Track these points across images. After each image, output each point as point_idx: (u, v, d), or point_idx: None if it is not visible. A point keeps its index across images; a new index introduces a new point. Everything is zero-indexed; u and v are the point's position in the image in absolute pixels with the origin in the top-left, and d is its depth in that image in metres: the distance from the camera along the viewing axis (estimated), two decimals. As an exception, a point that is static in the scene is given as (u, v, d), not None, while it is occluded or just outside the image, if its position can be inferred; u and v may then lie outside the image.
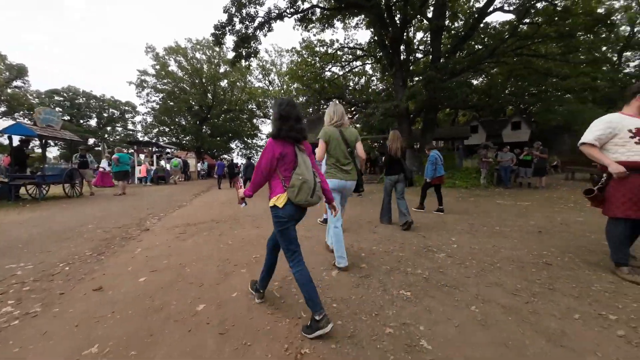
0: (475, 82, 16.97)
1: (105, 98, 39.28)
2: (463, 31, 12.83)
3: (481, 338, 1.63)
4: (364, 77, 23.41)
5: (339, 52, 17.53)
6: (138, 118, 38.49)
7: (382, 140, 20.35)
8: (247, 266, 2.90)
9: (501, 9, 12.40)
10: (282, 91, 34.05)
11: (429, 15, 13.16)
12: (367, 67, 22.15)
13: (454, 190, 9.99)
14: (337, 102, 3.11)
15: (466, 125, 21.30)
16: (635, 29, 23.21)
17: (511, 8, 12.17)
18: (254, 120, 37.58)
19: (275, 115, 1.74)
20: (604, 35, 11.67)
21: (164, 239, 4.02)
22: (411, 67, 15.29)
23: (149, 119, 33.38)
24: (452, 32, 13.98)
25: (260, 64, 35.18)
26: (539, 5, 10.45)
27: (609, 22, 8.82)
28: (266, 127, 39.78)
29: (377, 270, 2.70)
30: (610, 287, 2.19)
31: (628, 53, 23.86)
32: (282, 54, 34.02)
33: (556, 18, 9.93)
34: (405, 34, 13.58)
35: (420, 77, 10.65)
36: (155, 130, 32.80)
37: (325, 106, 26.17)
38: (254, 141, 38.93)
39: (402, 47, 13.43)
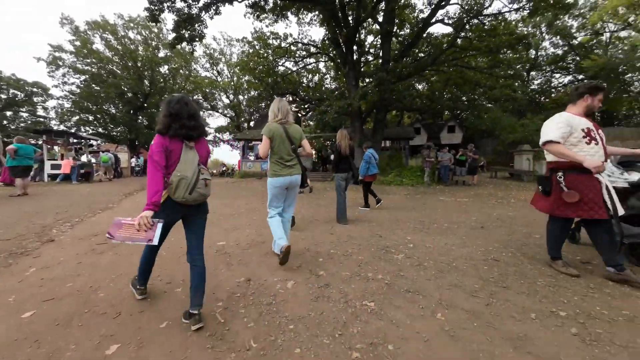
0: (419, 87, 18.39)
1: (4, 76, 31.86)
2: (409, 39, 13.63)
3: (453, 353, 1.50)
4: (317, 74, 23.38)
5: (292, 47, 17.08)
6: (51, 103, 32.14)
7: (334, 139, 20.64)
8: (183, 284, 2.39)
9: (442, 21, 13.52)
10: (232, 83, 32.11)
11: (380, 19, 13.64)
12: (321, 65, 22.14)
13: (402, 188, 10.53)
14: (283, 98, 2.99)
15: (411, 127, 22.95)
16: (539, 53, 27.97)
17: (450, 21, 13.36)
18: (201, 113, 34.69)
19: (164, 112, 1.73)
20: (521, 54, 13.58)
21: (73, 253, 3.18)
22: (363, 68, 15.72)
23: (67, 105, 28.13)
24: (400, 38, 14.74)
25: (208, 51, 32.58)
26: (474, 21, 11.64)
27: (526, 41, 10.32)
28: (214, 120, 37.13)
29: (337, 278, 2.48)
30: (552, 282, 2.33)
31: (533, 72, 28.63)
32: (233, 43, 32.09)
33: (484, 34, 11.21)
34: (357, 35, 13.83)
35: (372, 78, 10.93)
36: (75, 119, 27.82)
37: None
38: (200, 135, 35.96)
39: (354, 48, 13.65)
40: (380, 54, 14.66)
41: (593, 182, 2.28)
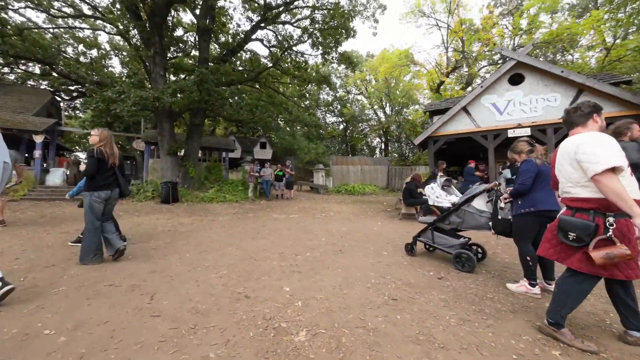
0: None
1: None
2: (231, 46, 12.88)
3: None
4: (96, 49, 16.67)
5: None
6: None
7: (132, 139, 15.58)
8: None
9: (262, 41, 14.01)
10: None
11: (197, 12, 11.83)
12: (104, 39, 16.06)
13: (227, 206, 9.32)
14: None
15: (230, 138, 21.97)
16: (321, 97, 37.19)
17: (269, 44, 14.11)
18: None
19: None
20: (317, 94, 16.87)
21: None
22: (175, 59, 12.88)
23: None
24: (222, 41, 13.63)
25: None
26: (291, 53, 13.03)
27: (329, 81, 12.90)
28: None
29: None
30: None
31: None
32: None
33: (299, 67, 12.87)
34: (170, 15, 11.18)
35: (193, 74, 8.97)
36: None
37: (9, 68, 15.40)
38: None
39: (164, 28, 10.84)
40: (196, 53, 12.74)
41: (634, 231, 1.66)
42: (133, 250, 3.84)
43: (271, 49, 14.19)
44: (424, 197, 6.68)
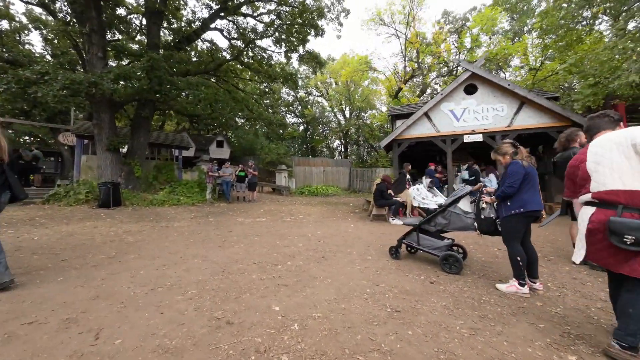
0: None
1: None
2: (186, 33, 11.67)
3: None
4: (7, 20, 13.64)
5: None
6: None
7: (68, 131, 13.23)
8: None
9: (221, 31, 13.02)
10: None
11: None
12: (19, 9, 13.32)
13: (183, 209, 8.32)
14: None
15: (180, 135, 19.99)
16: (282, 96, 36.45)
17: (231, 35, 13.18)
18: None
19: None
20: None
21: None
22: (116, 41, 11.13)
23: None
24: (175, 27, 12.27)
25: None
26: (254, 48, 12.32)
27: (294, 78, 12.42)
28: None
29: None
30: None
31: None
32: None
33: (263, 62, 12.25)
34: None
35: (140, 59, 7.75)
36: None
37: None
38: None
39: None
40: (142, 38, 11.23)
41: None
42: (63, 268, 3.02)
43: (232, 41, 13.29)
44: (393, 198, 6.79)
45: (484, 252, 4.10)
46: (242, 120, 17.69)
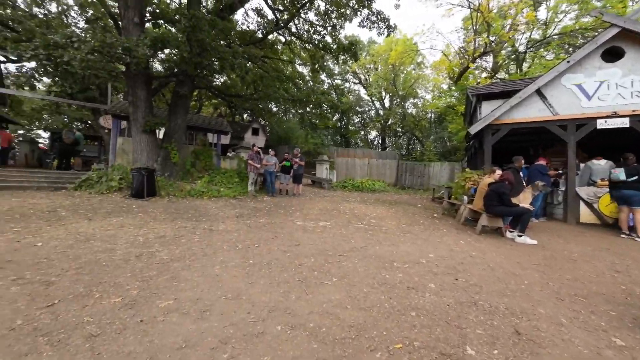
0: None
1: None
2: (229, 1, 10.16)
3: None
4: (55, 1, 13.16)
5: None
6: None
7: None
8: None
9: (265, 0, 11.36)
10: None
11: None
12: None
13: (224, 203, 6.91)
14: None
15: (219, 119, 19.10)
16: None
17: (276, 4, 11.49)
18: None
19: None
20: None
21: None
22: (153, 4, 9.85)
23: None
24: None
25: None
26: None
27: (354, 48, 10.32)
28: None
29: None
30: None
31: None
32: None
33: (314, 31, 10.43)
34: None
35: (182, 19, 6.27)
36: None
37: None
38: None
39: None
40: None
41: None
42: (34, 337, 1.52)
43: (276, 12, 11.59)
44: (519, 206, 4.74)
45: None
46: (283, 105, 16.13)
